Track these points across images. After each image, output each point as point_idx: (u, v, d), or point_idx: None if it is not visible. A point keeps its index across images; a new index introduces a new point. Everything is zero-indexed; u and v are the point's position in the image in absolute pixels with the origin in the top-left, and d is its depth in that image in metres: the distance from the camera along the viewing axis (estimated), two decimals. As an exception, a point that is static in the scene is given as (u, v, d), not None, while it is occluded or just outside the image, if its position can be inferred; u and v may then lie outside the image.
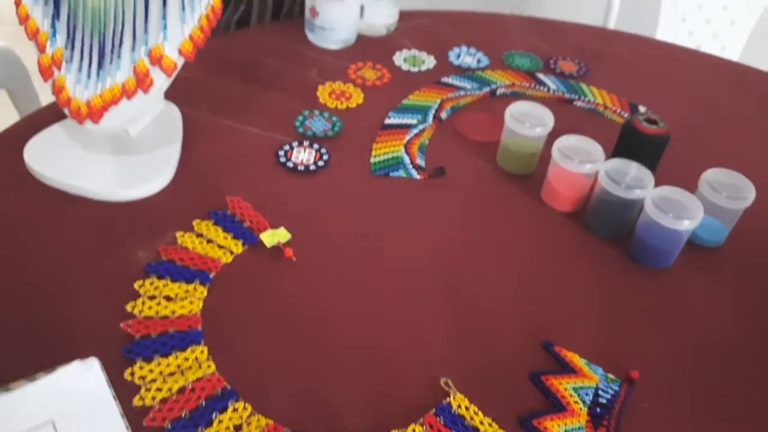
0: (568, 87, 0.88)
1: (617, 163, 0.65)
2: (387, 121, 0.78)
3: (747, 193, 0.64)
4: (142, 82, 0.59)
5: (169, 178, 0.66)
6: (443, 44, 0.94)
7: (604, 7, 1.35)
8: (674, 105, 0.88)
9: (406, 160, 0.72)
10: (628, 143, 0.69)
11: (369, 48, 0.91)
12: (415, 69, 0.88)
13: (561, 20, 1.06)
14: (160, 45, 0.59)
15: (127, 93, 0.60)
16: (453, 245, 0.64)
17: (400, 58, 0.89)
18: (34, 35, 0.62)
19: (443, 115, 0.80)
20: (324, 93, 0.81)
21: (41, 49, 0.62)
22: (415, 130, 0.77)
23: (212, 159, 0.69)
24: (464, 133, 0.78)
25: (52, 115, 0.70)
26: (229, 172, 0.68)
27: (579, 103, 0.86)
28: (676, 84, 0.94)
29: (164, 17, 0.58)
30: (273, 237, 0.60)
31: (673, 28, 1.42)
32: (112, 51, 0.60)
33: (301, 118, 0.76)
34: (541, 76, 0.90)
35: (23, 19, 0.62)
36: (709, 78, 0.97)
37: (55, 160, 0.65)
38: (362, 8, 0.90)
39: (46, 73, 0.62)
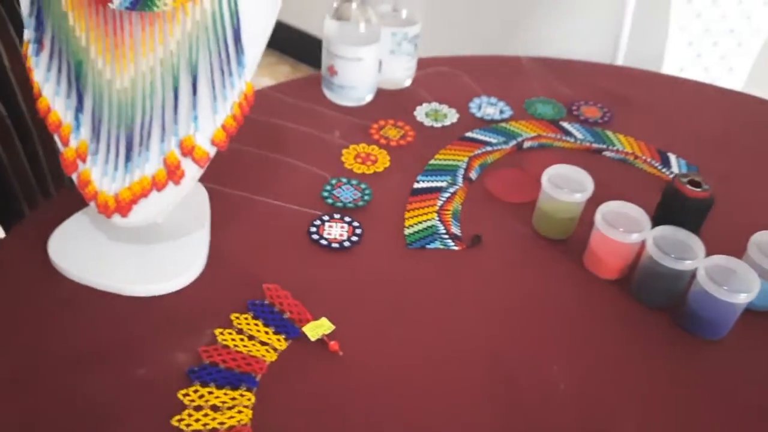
0: (595, 135, 0.86)
1: (665, 230, 0.63)
2: (416, 186, 0.76)
3: (800, 257, 0.62)
4: (173, 174, 0.57)
5: (201, 268, 0.63)
6: (463, 94, 0.92)
7: (613, 36, 1.34)
8: (704, 150, 0.86)
9: (441, 229, 0.70)
10: (671, 207, 0.67)
11: (389, 103, 0.89)
12: (438, 124, 0.86)
13: (576, 60, 1.05)
14: (191, 136, 0.56)
15: (157, 185, 0.57)
16: (495, 319, 0.62)
17: (421, 113, 0.87)
18: (56, 128, 0.59)
19: (473, 175, 0.78)
20: (349, 157, 0.79)
21: (64, 143, 0.59)
22: (447, 194, 0.75)
23: (242, 240, 0.67)
24: (496, 194, 0.76)
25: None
26: (262, 254, 0.66)
27: (608, 153, 0.84)
28: (703, 125, 0.92)
29: (194, 107, 0.56)
30: (317, 330, 0.58)
31: (680, 53, 1.41)
32: (140, 143, 0.57)
33: (328, 187, 0.74)
34: (565, 124, 0.88)
35: (44, 112, 0.59)
36: (736, 117, 0.95)
37: (79, 254, 0.62)
38: (380, 63, 0.87)
39: (70, 167, 0.59)
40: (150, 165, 0.58)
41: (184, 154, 0.57)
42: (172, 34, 0.54)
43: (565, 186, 0.68)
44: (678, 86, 1.04)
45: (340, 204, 0.72)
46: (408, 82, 0.92)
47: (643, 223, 0.64)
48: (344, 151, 0.80)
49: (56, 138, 0.60)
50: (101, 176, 0.59)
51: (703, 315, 0.60)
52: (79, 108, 0.58)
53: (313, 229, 0.68)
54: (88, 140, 0.59)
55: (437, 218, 0.72)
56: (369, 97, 0.88)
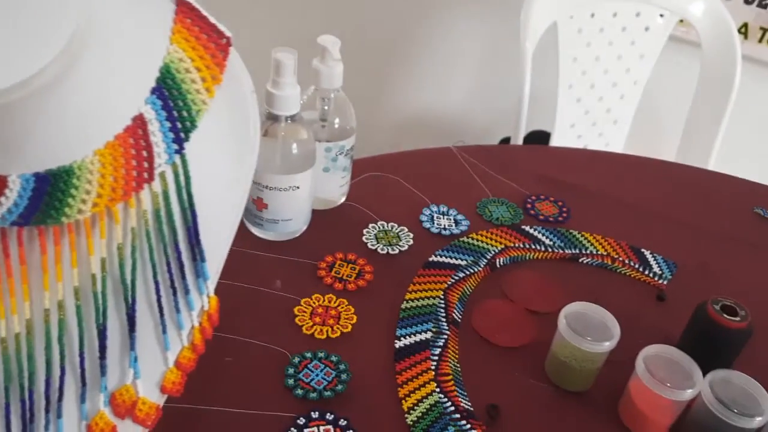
0: (563, 239, 0.77)
1: (718, 376, 0.54)
2: (398, 344, 0.61)
3: None
4: (106, 447, 0.37)
5: None
6: (408, 204, 0.79)
7: (515, 111, 1.29)
8: (667, 234, 0.81)
9: (448, 405, 0.56)
10: (703, 339, 0.58)
11: (329, 229, 0.73)
12: (394, 250, 0.71)
13: (496, 144, 0.96)
14: (129, 386, 0.37)
15: (80, 470, 0.37)
16: None
17: (371, 238, 0.72)
18: None
19: (456, 314, 0.65)
20: (305, 318, 0.62)
21: None
22: (437, 350, 0.61)
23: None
24: (489, 338, 0.63)
25: None
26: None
27: (585, 260, 0.75)
28: (652, 204, 0.87)
29: (133, 346, 0.37)
30: None
31: (570, 110, 1.40)
32: (47, 410, 0.37)
33: (291, 370, 0.56)
34: (528, 228, 0.78)
35: None
36: (676, 189, 0.92)
37: None
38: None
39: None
40: (64, 439, 0.37)
41: (120, 414, 0.37)
42: (92, 252, 0.34)
43: (585, 331, 0.56)
44: (621, 161, 0.99)
45: (313, 394, 0.55)
46: (343, 199, 0.77)
47: (693, 371, 0.54)
48: (296, 309, 0.63)
49: None
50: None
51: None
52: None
53: (292, 443, 0.51)
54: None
55: (438, 390, 0.57)
56: (305, 227, 0.72)
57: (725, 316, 0.57)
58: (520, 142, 1.32)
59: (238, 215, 0.37)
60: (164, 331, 0.37)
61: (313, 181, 0.69)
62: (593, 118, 1.46)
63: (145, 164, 0.33)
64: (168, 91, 0.33)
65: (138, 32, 0.32)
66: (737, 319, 0.57)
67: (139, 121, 0.32)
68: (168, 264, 0.36)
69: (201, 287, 0.37)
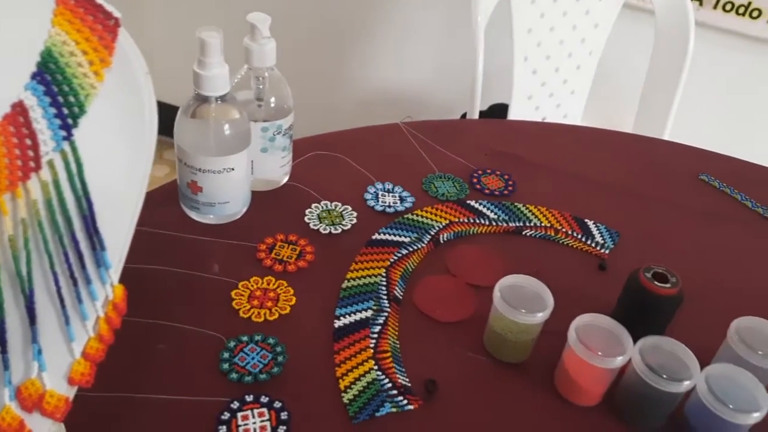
0: (508, 212, 0.77)
1: (649, 343, 0.54)
2: (337, 324, 0.61)
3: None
4: (14, 442, 0.36)
5: None
6: (352, 183, 0.78)
7: (469, 83, 1.28)
8: (614, 205, 0.81)
9: (386, 382, 0.56)
10: (639, 307, 0.59)
11: (270, 210, 0.72)
12: (336, 230, 0.71)
13: (448, 119, 0.96)
14: (34, 380, 0.36)
15: (-13, 467, 0.37)
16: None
17: (313, 218, 0.72)
18: None
19: (398, 292, 0.65)
20: (242, 301, 0.61)
21: None
22: (377, 328, 0.61)
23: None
24: (431, 314, 0.63)
25: None
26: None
27: (528, 232, 0.75)
28: (599, 174, 0.87)
29: (35, 338, 0.36)
30: None
31: (527, 82, 1.39)
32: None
33: (226, 354, 0.56)
34: (473, 203, 0.78)
35: None
36: (621, 160, 0.92)
37: None
38: (252, 163, 0.71)
39: None
40: (-31, 435, 0.37)
41: (27, 408, 0.37)
42: (-21, 245, 0.33)
43: (520, 302, 0.57)
44: (559, 133, 0.99)
45: (248, 378, 0.54)
46: (286, 179, 0.76)
47: (623, 338, 0.55)
48: (233, 293, 0.62)
49: None
50: None
51: (708, 435, 0.53)
52: None
53: (223, 429, 0.50)
54: None
55: (376, 367, 0.57)
56: (245, 208, 0.71)
57: (656, 283, 0.57)
58: (476, 117, 1.32)
59: (139, 201, 0.36)
60: (67, 323, 0.36)
61: (249, 162, 0.68)
62: (550, 90, 1.45)
63: (30, 153, 0.32)
64: (51, 76, 0.32)
65: (12, 15, 0.30)
66: (668, 286, 0.57)
67: (19, 108, 0.31)
68: (66, 254, 0.35)
69: (103, 277, 0.36)
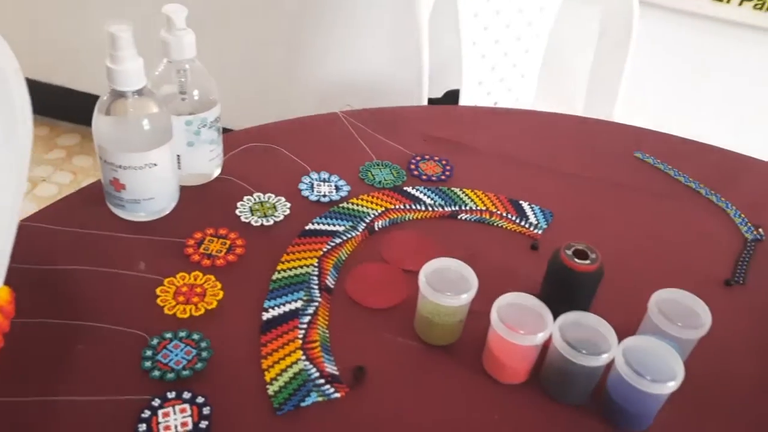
0: (444, 198, 0.77)
1: (569, 319, 0.55)
2: (265, 316, 0.60)
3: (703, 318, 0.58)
4: None
5: None
6: (287, 174, 0.78)
7: (415, 69, 1.28)
8: (549, 186, 0.82)
9: (313, 372, 0.56)
10: (561, 284, 0.59)
11: (200, 205, 0.72)
12: (269, 221, 0.70)
13: (390, 106, 0.95)
14: None
15: None
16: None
17: (245, 210, 0.71)
18: None
19: (329, 281, 0.65)
20: (168, 298, 0.60)
21: None
22: (307, 318, 0.60)
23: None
24: (363, 301, 0.63)
25: None
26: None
27: (463, 216, 0.75)
28: (534, 156, 0.87)
29: None
30: None
31: (476, 67, 1.39)
32: None
33: (149, 352, 0.55)
34: (410, 189, 0.78)
35: None
36: (560, 139, 0.93)
37: None
38: (179, 158, 0.70)
39: None
40: None
41: None
42: None
43: (445, 286, 0.57)
44: (499, 118, 1.00)
45: (171, 375, 0.54)
46: (217, 172, 0.75)
47: (544, 315, 0.55)
48: (159, 290, 0.61)
49: None
50: None
51: (626, 408, 0.53)
52: None
53: (143, 428, 0.50)
54: None
55: (304, 357, 0.57)
56: (173, 204, 0.70)
57: (576, 260, 0.58)
58: (424, 104, 1.32)
59: (17, 201, 0.35)
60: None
61: (174, 156, 0.67)
62: (500, 74, 1.46)
63: None
64: None
65: None
66: (587, 262, 0.58)
67: None
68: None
69: (-16, 279, 0.35)
